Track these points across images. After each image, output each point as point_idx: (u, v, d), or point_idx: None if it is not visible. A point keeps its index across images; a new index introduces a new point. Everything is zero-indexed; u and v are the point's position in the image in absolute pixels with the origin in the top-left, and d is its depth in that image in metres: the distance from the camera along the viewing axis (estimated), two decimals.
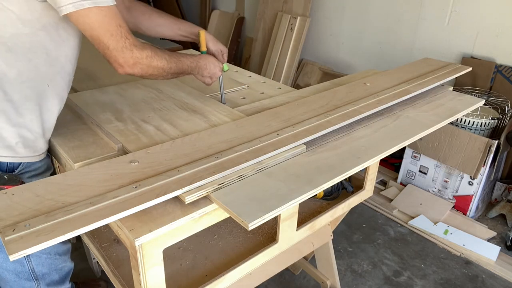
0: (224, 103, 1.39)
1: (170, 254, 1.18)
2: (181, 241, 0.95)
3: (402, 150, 2.57)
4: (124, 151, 1.07)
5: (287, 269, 1.92)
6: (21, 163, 1.04)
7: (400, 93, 1.37)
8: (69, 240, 0.99)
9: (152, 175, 0.88)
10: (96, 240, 1.29)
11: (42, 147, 1.07)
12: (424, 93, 1.45)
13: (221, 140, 1.05)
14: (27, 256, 1.10)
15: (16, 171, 1.03)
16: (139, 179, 0.86)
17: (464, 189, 2.33)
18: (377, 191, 2.57)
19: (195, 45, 1.48)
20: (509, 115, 2.32)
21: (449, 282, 1.93)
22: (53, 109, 1.06)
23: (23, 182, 1.05)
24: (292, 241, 1.20)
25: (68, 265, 1.27)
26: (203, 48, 1.37)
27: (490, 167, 2.22)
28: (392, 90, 1.38)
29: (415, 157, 2.52)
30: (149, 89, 1.48)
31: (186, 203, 0.83)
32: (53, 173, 1.18)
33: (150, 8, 1.36)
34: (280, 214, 1.08)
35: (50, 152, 1.19)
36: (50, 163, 1.16)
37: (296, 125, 1.12)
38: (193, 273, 1.13)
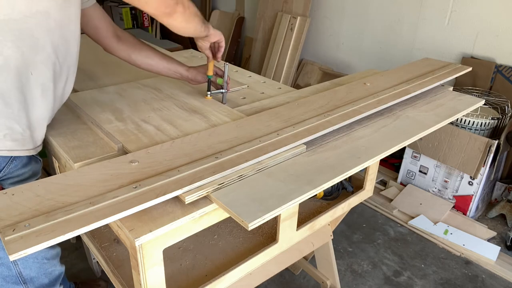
0: (224, 103, 1.39)
1: (170, 254, 1.18)
2: (181, 241, 0.95)
3: (402, 150, 2.57)
4: (124, 151, 1.07)
5: (287, 269, 1.92)
6: (8, 161, 1.02)
7: (400, 93, 1.37)
8: (57, 244, 0.99)
9: (152, 175, 0.88)
10: (96, 240, 1.29)
11: (29, 141, 1.04)
12: (424, 93, 1.45)
13: (221, 140, 1.05)
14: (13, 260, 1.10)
15: None
16: (139, 179, 0.86)
17: (464, 189, 2.33)
18: (377, 191, 2.57)
19: (194, 46, 1.48)
20: (509, 115, 2.32)
21: (449, 282, 1.93)
22: (36, 101, 1.02)
23: (3, 189, 1.04)
24: (292, 241, 1.20)
25: (58, 268, 1.25)
26: (210, 73, 1.38)
27: (490, 167, 2.22)
28: (392, 90, 1.38)
29: (415, 157, 2.52)
30: (149, 89, 1.48)
31: (186, 203, 0.83)
32: (48, 175, 1.17)
33: (140, 41, 1.39)
34: (280, 214, 1.08)
35: (50, 152, 1.19)
36: (37, 169, 1.13)
37: (296, 125, 1.12)
38: (193, 273, 1.13)
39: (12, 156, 1.03)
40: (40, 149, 1.10)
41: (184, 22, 1.09)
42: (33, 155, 1.10)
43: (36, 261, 1.17)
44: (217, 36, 1.29)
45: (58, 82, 1.08)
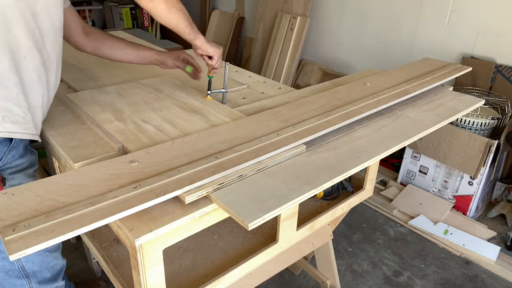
0: (224, 103, 1.39)
1: (170, 254, 1.18)
2: (181, 241, 0.95)
3: (402, 150, 2.57)
4: (124, 151, 1.07)
5: (287, 269, 1.92)
6: (5, 151, 1.03)
7: (400, 93, 1.37)
8: None
9: (152, 175, 0.88)
10: (96, 240, 1.29)
11: (32, 126, 1.06)
12: (424, 93, 1.45)
13: (221, 140, 1.05)
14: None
15: None
16: (139, 179, 0.86)
17: (464, 189, 2.33)
18: (377, 191, 2.57)
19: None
20: (509, 115, 2.32)
21: (449, 282, 1.93)
22: (33, 87, 1.04)
23: (4, 178, 1.05)
24: (292, 241, 1.20)
25: (60, 262, 1.27)
26: (210, 73, 1.38)
27: (490, 167, 2.22)
28: (392, 90, 1.38)
29: (415, 157, 2.52)
30: (149, 89, 1.48)
31: (186, 203, 0.83)
32: (49, 175, 1.17)
33: (109, 34, 1.42)
34: (280, 214, 1.08)
35: (50, 152, 1.19)
36: (33, 161, 1.15)
37: (296, 125, 1.12)
38: (193, 273, 1.13)
39: (9, 146, 1.04)
40: (39, 138, 1.11)
41: (166, 9, 1.12)
42: (28, 147, 1.12)
43: (38, 254, 1.18)
44: (207, 50, 1.29)
45: (50, 70, 1.10)
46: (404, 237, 2.22)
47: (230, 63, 1.54)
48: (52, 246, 1.20)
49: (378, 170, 1.92)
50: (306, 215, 1.32)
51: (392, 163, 2.83)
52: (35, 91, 1.06)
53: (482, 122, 2.27)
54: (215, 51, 1.30)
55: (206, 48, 1.28)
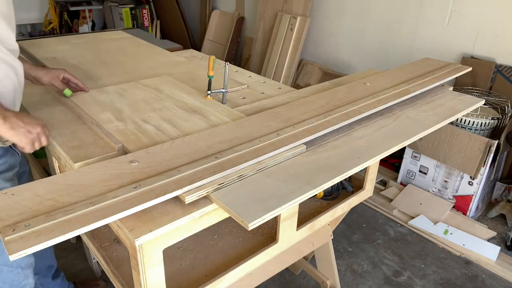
0: (224, 103, 1.39)
1: (170, 254, 1.18)
2: (181, 241, 0.95)
3: (402, 150, 2.57)
4: (124, 151, 1.07)
5: (287, 269, 1.92)
6: None
7: (400, 93, 1.37)
8: (32, 254, 0.97)
9: (152, 175, 0.88)
10: (96, 240, 1.29)
11: None
12: (424, 93, 1.46)
13: (221, 140, 1.05)
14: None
15: None
16: (139, 179, 0.86)
17: (464, 189, 2.33)
18: (377, 191, 2.57)
19: (195, 46, 1.48)
20: (509, 115, 2.32)
21: (449, 282, 1.93)
22: None
23: None
24: (292, 241, 1.20)
25: (30, 282, 1.20)
26: (210, 73, 1.37)
27: (490, 167, 2.22)
28: (392, 90, 1.39)
29: (415, 157, 2.52)
30: (149, 89, 1.48)
31: (186, 203, 0.84)
32: (49, 175, 1.15)
33: None
34: (280, 214, 1.08)
35: (50, 152, 1.19)
36: (13, 163, 1.12)
37: (296, 125, 1.12)
38: (193, 273, 1.13)
39: None
40: (8, 143, 1.09)
41: None
42: (11, 148, 1.10)
43: (10, 270, 1.13)
44: (10, 139, 1.01)
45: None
46: (404, 237, 2.22)
47: (230, 63, 1.54)
48: (25, 262, 1.16)
49: (378, 170, 1.92)
50: (306, 215, 1.32)
51: (392, 163, 2.83)
52: None
53: (482, 122, 2.27)
54: (20, 139, 1.01)
55: (7, 137, 1.01)
